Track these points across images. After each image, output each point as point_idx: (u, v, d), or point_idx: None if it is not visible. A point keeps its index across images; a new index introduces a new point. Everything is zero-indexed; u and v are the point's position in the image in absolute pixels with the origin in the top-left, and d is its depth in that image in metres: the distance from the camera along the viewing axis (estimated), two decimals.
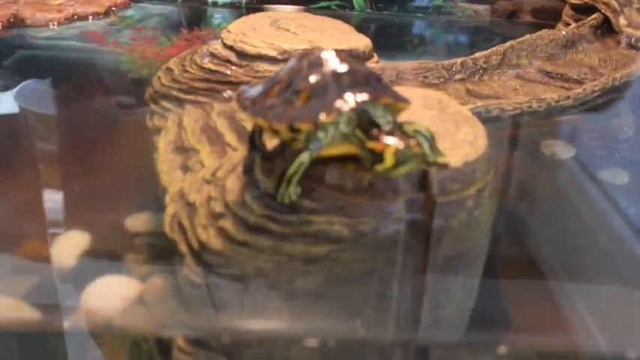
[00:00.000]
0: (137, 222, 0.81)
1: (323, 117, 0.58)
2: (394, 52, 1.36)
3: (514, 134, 0.99)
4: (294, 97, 0.62)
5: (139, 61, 1.18)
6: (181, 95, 0.96)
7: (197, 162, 0.79)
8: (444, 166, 0.62)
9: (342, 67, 0.61)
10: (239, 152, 0.76)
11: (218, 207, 0.66)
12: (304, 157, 0.60)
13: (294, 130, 0.60)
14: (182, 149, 0.82)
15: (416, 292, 0.65)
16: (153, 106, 0.97)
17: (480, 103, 0.90)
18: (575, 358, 0.73)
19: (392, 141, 0.57)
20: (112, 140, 1.00)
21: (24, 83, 1.13)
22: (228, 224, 0.64)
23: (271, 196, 0.63)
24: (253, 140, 0.68)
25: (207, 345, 0.63)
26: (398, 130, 0.61)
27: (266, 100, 0.64)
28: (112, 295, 0.71)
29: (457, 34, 1.51)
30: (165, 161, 0.81)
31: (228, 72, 0.96)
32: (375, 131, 0.58)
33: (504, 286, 0.77)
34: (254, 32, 1.00)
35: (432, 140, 0.62)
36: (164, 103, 0.96)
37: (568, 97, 0.94)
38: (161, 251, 0.74)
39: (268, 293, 0.63)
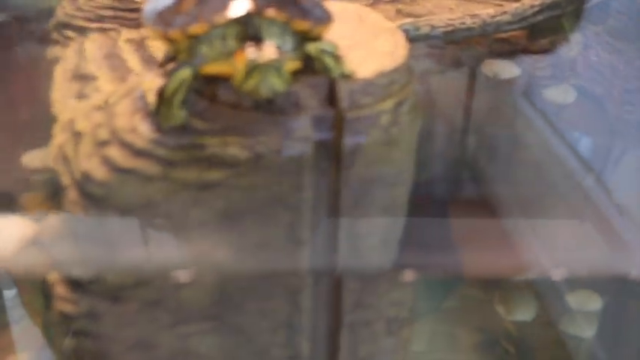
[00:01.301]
0: (35, 158, 0.76)
1: (194, 27, 0.50)
2: None
3: (451, 53, 0.93)
4: (182, 3, 0.54)
5: None
6: (86, 24, 0.88)
7: (94, 89, 0.71)
8: (349, 76, 0.54)
9: None
10: (148, 77, 0.68)
11: (104, 134, 0.58)
12: (184, 73, 0.53)
13: (171, 40, 0.52)
14: (80, 77, 0.75)
15: (330, 219, 0.58)
16: (56, 37, 0.89)
17: (408, 19, 0.82)
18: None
19: (252, 52, 0.49)
20: (11, 75, 0.92)
21: None
22: (113, 151, 0.57)
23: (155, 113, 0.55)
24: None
25: (89, 290, 0.55)
26: (299, 51, 0.54)
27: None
28: (4, 236, 0.64)
29: None
30: (61, 90, 0.73)
31: None
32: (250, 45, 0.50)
33: (437, 215, 0.72)
34: None
35: (336, 53, 0.54)
36: (67, 33, 0.88)
37: (505, 13, 0.87)
38: (60, 187, 0.67)
39: (159, 225, 0.55)
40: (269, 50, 0.50)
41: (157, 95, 0.54)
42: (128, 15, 0.91)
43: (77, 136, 0.62)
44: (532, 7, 0.89)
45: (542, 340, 0.87)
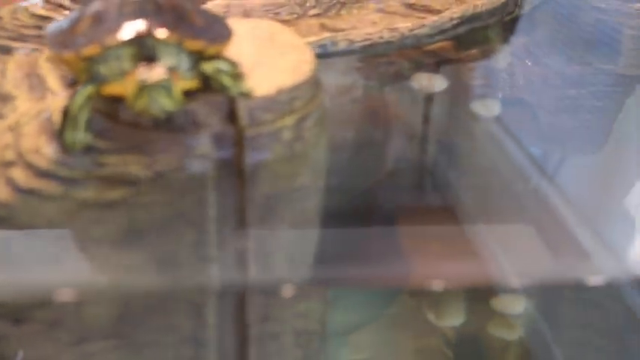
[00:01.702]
0: None
1: (86, 49, 0.51)
2: None
3: (380, 67, 0.94)
4: (77, 24, 0.54)
5: None
6: (9, 43, 0.87)
7: (12, 109, 0.71)
8: (247, 94, 0.55)
9: None
10: (57, 98, 0.68)
11: (10, 155, 0.59)
12: (87, 91, 0.53)
13: (66, 62, 0.52)
14: (0, 97, 0.75)
15: (234, 236, 0.59)
16: None
17: (327, 34, 0.83)
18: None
19: (142, 72, 0.50)
20: None
21: None
22: (17, 172, 0.57)
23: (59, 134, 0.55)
24: None
25: None
26: (196, 70, 0.54)
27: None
28: None
29: None
30: None
31: (61, 17, 0.88)
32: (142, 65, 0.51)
33: (356, 229, 0.72)
34: None
35: (234, 71, 0.55)
36: None
37: (423, 26, 0.88)
38: None
39: (63, 245, 0.56)
40: (158, 71, 0.51)
41: (61, 116, 0.55)
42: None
43: None
44: (451, 19, 0.90)
45: (477, 344, 0.88)
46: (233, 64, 0.56)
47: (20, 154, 0.59)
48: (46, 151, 0.57)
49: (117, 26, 0.52)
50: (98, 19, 0.54)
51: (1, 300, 0.57)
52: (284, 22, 0.93)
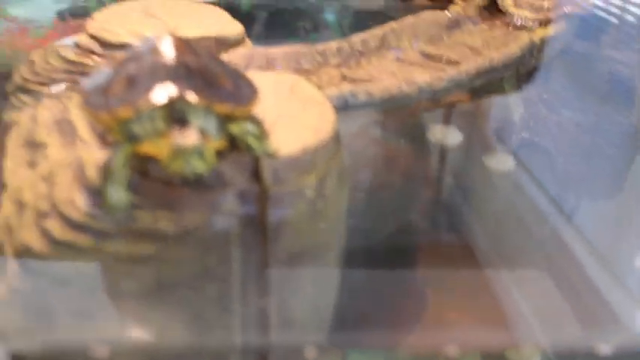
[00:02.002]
0: None
1: (120, 110, 0.54)
2: (284, 39, 1.31)
3: (399, 119, 0.96)
4: (112, 85, 0.57)
5: (8, 54, 1.12)
6: (41, 88, 0.90)
7: (44, 157, 0.73)
8: (272, 155, 0.58)
9: (169, 58, 0.57)
10: (89, 147, 0.71)
11: (45, 205, 0.61)
12: (126, 150, 0.56)
13: (100, 120, 0.55)
14: (32, 144, 0.77)
15: (258, 291, 0.61)
16: (14, 101, 0.92)
17: (347, 87, 0.86)
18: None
19: (176, 136, 0.53)
20: None
21: None
22: (52, 224, 0.60)
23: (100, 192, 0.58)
24: None
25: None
26: (224, 131, 0.57)
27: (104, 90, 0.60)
28: None
29: (352, 19, 1.48)
30: (13, 157, 0.76)
31: (91, 63, 0.91)
32: (176, 129, 0.54)
33: (374, 282, 0.74)
34: (119, 20, 0.95)
35: (259, 131, 0.58)
36: (23, 97, 0.90)
37: (441, 79, 0.90)
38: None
39: (93, 297, 0.58)
40: (192, 136, 0.53)
41: (101, 177, 0.58)
42: (80, 79, 0.93)
43: (22, 206, 0.65)
44: (468, 73, 0.93)
45: None
46: (258, 123, 0.59)
47: (54, 204, 0.61)
48: (80, 203, 0.59)
49: (150, 89, 0.55)
50: (132, 81, 0.57)
51: (34, 351, 0.59)
52: (305, 71, 0.96)
